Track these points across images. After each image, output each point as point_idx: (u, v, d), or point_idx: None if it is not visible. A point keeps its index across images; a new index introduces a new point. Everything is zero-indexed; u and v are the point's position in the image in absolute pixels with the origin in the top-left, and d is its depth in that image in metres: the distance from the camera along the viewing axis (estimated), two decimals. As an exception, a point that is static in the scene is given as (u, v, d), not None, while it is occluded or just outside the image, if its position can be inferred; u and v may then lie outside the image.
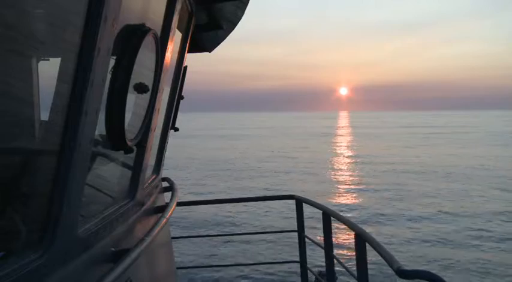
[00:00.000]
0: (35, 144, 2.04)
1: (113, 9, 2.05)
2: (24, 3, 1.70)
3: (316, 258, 10.74)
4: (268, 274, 13.98)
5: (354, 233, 4.70)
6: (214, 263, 14.54)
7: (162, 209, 3.64)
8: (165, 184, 4.68)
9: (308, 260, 6.92)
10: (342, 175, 38.45)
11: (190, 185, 31.90)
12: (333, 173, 39.95)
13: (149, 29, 2.61)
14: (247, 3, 4.72)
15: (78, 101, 1.91)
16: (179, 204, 5.63)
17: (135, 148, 2.87)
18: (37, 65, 2.31)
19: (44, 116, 2.00)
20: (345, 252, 14.84)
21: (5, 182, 1.70)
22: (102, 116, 2.29)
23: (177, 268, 5.81)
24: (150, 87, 2.87)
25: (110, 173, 3.15)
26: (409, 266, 3.87)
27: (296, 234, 6.96)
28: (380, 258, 3.95)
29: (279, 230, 14.65)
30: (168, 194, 4.38)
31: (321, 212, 5.94)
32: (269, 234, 16.87)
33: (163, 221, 3.15)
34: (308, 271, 6.77)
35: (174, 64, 4.24)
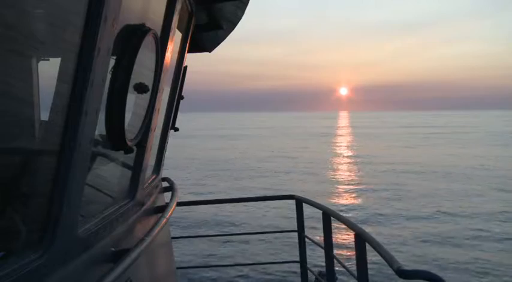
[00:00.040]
0: (35, 144, 2.03)
1: (113, 9, 2.05)
2: (24, 3, 1.70)
3: (316, 258, 10.74)
4: (268, 274, 13.98)
5: (353, 233, 4.70)
6: (214, 263, 14.54)
7: (162, 209, 3.64)
8: (165, 184, 4.68)
9: (308, 260, 6.92)
10: (342, 175, 38.45)
11: (190, 185, 31.90)
12: (333, 173, 39.94)
13: (149, 29, 2.61)
14: (247, 3, 4.72)
15: (78, 101, 1.91)
16: (179, 204, 5.63)
17: (135, 148, 2.87)
18: (37, 65, 2.31)
19: (44, 116, 2.00)
20: (344, 252, 14.83)
21: (5, 182, 1.70)
22: (102, 116, 2.29)
23: (177, 268, 5.81)
24: (150, 87, 2.87)
25: (110, 173, 3.15)
26: (409, 266, 3.87)
27: (296, 234, 6.96)
28: (380, 258, 3.95)
29: (279, 230, 14.64)
30: (168, 194, 4.38)
31: (321, 212, 5.94)
32: (269, 234, 16.87)
33: (163, 221, 3.15)
34: (308, 271, 6.77)
35: (174, 64, 4.24)
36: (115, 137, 2.49)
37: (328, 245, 5.87)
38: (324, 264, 6.07)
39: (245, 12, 4.94)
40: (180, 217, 19.50)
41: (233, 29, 5.42)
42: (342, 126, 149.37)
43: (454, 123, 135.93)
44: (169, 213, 3.43)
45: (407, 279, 3.55)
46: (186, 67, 4.68)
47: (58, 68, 2.01)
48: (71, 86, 1.91)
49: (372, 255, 4.63)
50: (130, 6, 2.51)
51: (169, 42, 3.32)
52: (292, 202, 7.07)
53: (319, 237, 6.54)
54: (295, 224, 6.90)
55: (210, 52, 6.08)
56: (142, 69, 2.66)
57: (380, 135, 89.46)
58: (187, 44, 4.47)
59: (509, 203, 24.54)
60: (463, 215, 22.29)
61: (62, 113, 1.90)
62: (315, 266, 8.78)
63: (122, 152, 2.64)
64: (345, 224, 5.23)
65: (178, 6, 3.38)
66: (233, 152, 58.81)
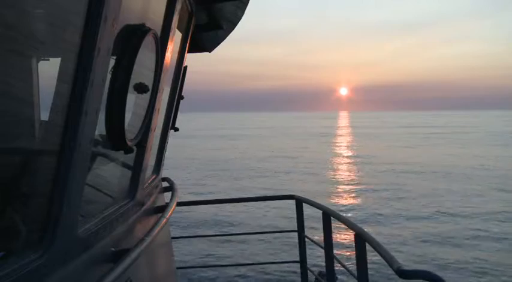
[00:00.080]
0: (35, 144, 2.03)
1: (113, 9, 2.05)
2: (24, 3, 1.70)
3: (316, 258, 10.74)
4: (268, 274, 13.98)
5: (353, 232, 4.70)
6: (214, 263, 14.54)
7: (162, 209, 3.64)
8: (165, 184, 4.68)
9: (308, 260, 6.93)
10: (342, 175, 38.46)
11: (190, 185, 31.90)
12: (333, 173, 39.94)
13: (149, 29, 2.61)
14: (247, 3, 4.72)
15: (78, 101, 1.91)
16: (179, 204, 5.63)
17: (135, 148, 2.87)
18: (37, 65, 2.31)
19: (44, 116, 2.00)
20: (344, 252, 14.84)
21: (5, 182, 1.70)
22: (102, 116, 2.29)
23: (177, 268, 5.81)
24: (150, 87, 2.87)
25: (110, 173, 3.15)
26: (409, 266, 3.87)
27: (296, 234, 6.96)
28: (380, 258, 3.95)
29: (278, 230, 14.64)
30: (168, 194, 4.38)
31: (321, 212, 5.94)
32: (269, 234, 16.87)
33: (163, 221, 3.15)
34: (308, 271, 6.77)
35: (174, 64, 4.24)
36: (115, 137, 2.49)
37: (328, 245, 5.87)
38: (324, 264, 6.07)
39: (245, 12, 4.94)
40: (180, 217, 19.50)
41: (233, 29, 5.42)
42: (342, 126, 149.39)
43: (454, 123, 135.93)
44: (169, 213, 3.43)
45: (407, 279, 3.55)
46: (186, 67, 4.68)
47: (58, 68, 2.01)
48: (71, 86, 1.91)
49: (372, 255, 4.64)
50: (130, 6, 2.51)
51: (169, 42, 3.32)
52: (292, 202, 7.07)
53: (319, 237, 6.54)
54: (295, 224, 6.90)
55: (210, 52, 6.09)
56: (142, 69, 2.66)
57: (380, 135, 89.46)
58: (187, 44, 4.47)
59: (509, 203, 24.54)
60: (463, 215, 22.29)
61: (62, 113, 1.90)
62: (315, 266, 8.78)
63: (122, 152, 2.64)
64: (344, 224, 5.23)
65: (178, 6, 3.38)
66: (233, 152, 58.81)
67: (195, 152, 56.57)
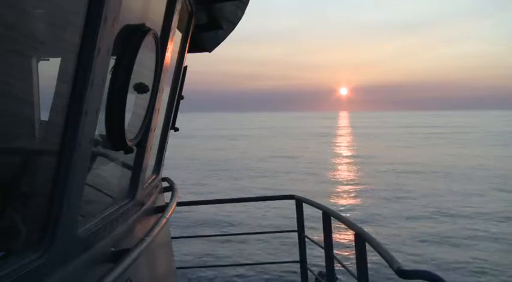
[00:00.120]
0: (35, 144, 2.03)
1: (113, 9, 2.05)
2: (24, 3, 1.70)
3: (316, 258, 10.74)
4: (268, 274, 13.98)
5: (353, 232, 4.70)
6: (214, 263, 14.54)
7: (162, 209, 3.64)
8: (165, 184, 4.69)
9: (308, 260, 6.92)
10: (342, 175, 38.46)
11: (190, 185, 31.88)
12: (332, 173, 39.94)
13: (149, 29, 2.61)
14: (247, 3, 4.72)
15: (78, 101, 1.91)
16: (179, 204, 5.63)
17: (135, 148, 2.87)
18: (37, 65, 2.31)
19: (44, 116, 2.00)
20: (344, 252, 14.84)
21: (5, 182, 1.70)
22: (102, 116, 2.29)
23: (177, 268, 5.81)
24: (150, 87, 2.87)
25: (110, 173, 3.15)
26: (409, 266, 3.87)
27: (296, 234, 6.96)
28: (380, 258, 3.95)
29: (278, 230, 14.64)
30: (168, 194, 4.38)
31: (321, 212, 5.94)
32: (269, 234, 16.87)
33: (163, 221, 3.16)
34: (308, 271, 6.77)
35: (174, 64, 4.24)
36: (115, 137, 2.49)
37: (328, 245, 5.87)
38: (324, 264, 6.07)
39: (245, 12, 4.94)
40: (180, 217, 19.50)
41: (233, 29, 5.42)
42: (342, 126, 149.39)
43: (454, 123, 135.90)
44: (169, 213, 3.43)
45: (407, 279, 3.55)
46: (186, 67, 4.68)
47: (58, 68, 2.01)
48: (71, 86, 1.91)
49: (372, 255, 4.63)
50: (130, 6, 2.51)
51: (169, 42, 3.32)
52: (292, 202, 7.07)
53: (319, 237, 6.54)
54: (295, 224, 6.90)
55: (210, 52, 6.09)
56: (142, 69, 2.66)
57: (380, 135, 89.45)
58: (187, 44, 4.47)
59: (509, 203, 24.54)
60: (463, 215, 22.29)
61: (62, 113, 1.90)
62: (315, 266, 8.77)
63: (122, 152, 2.64)
64: (344, 224, 5.23)
65: (178, 6, 3.38)
66: (233, 152, 58.80)
67: (195, 152, 56.56)
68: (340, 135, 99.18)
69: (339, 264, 5.63)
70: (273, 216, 21.51)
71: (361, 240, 4.54)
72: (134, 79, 2.48)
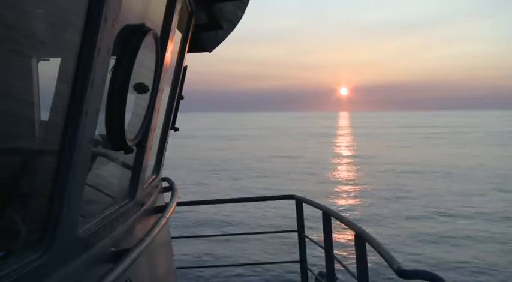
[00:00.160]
0: (35, 144, 2.03)
1: (113, 9, 2.05)
2: (24, 3, 1.70)
3: (316, 258, 10.74)
4: (268, 274, 13.98)
5: (353, 233, 4.70)
6: (214, 263, 14.53)
7: (162, 209, 3.65)
8: (165, 184, 4.69)
9: (308, 260, 6.92)
10: (342, 175, 38.45)
11: (190, 185, 31.88)
12: (332, 173, 39.94)
13: (149, 29, 2.61)
14: (247, 3, 4.72)
15: (78, 101, 1.91)
16: (179, 204, 5.63)
17: (135, 148, 2.87)
18: (37, 65, 2.31)
19: (44, 116, 2.00)
20: (345, 252, 14.84)
21: (5, 182, 1.70)
22: (102, 116, 2.29)
23: (177, 268, 5.81)
24: (150, 87, 2.87)
25: (110, 173, 3.15)
26: (409, 266, 3.87)
27: (296, 234, 6.96)
28: (380, 258, 3.95)
29: (279, 230, 14.63)
30: (168, 194, 4.38)
31: (321, 212, 5.94)
32: (269, 234, 16.86)
33: (163, 221, 3.16)
34: (308, 271, 6.77)
35: (174, 64, 4.24)
36: (115, 137, 2.49)
37: (328, 245, 5.87)
38: (324, 264, 6.07)
39: (245, 12, 4.94)
40: (180, 217, 19.49)
41: (233, 29, 5.43)
42: (342, 126, 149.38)
43: (454, 123, 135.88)
44: (169, 213, 3.43)
45: (407, 279, 3.55)
46: (186, 67, 4.68)
47: (58, 68, 2.01)
48: (71, 86, 1.91)
49: (372, 255, 4.63)
50: (130, 6, 2.51)
51: (169, 42, 3.32)
52: (292, 202, 7.06)
53: (319, 237, 6.54)
54: (295, 224, 6.90)
55: (210, 52, 6.09)
56: (142, 69, 2.66)
57: (380, 135, 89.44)
58: (187, 44, 4.47)
59: (509, 203, 24.54)
60: (463, 215, 22.28)
61: (62, 113, 1.90)
62: (315, 266, 8.77)
63: (122, 152, 2.64)
64: (345, 224, 5.23)
65: (178, 6, 3.39)
66: (233, 152, 58.79)
67: (195, 152, 56.54)
68: (340, 135, 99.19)
69: (339, 264, 5.63)
70: (273, 216, 21.50)
71: (361, 240, 4.54)
72: (134, 79, 2.48)
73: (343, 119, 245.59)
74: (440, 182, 32.26)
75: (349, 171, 40.57)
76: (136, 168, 3.18)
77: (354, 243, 4.71)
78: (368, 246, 4.42)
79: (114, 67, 2.34)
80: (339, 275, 6.29)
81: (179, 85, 4.58)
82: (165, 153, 4.48)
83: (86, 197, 2.19)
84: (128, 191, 3.11)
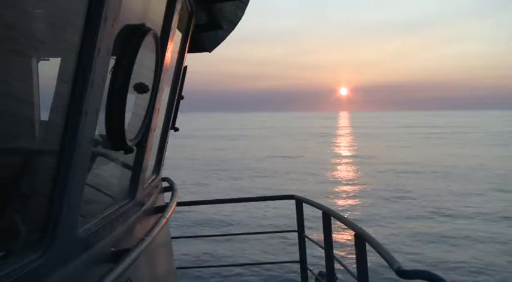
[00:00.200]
0: (35, 144, 2.03)
1: (113, 9, 2.05)
2: (24, 3, 1.70)
3: (316, 258, 10.74)
4: (268, 274, 13.98)
5: (353, 232, 4.70)
6: (214, 263, 14.52)
7: (162, 209, 3.65)
8: (165, 184, 4.69)
9: (308, 260, 6.92)
10: (342, 175, 38.45)
11: (190, 185, 31.88)
12: (332, 173, 39.94)
13: (149, 29, 2.61)
14: (247, 3, 4.72)
15: (78, 101, 1.91)
16: (179, 204, 5.63)
17: (135, 148, 2.87)
18: (37, 65, 2.31)
19: (44, 116, 2.00)
20: (344, 252, 14.83)
21: (5, 182, 1.70)
22: (102, 116, 2.29)
23: (177, 268, 5.81)
24: (150, 87, 2.87)
25: (110, 173, 3.15)
26: (409, 266, 3.87)
27: (296, 234, 6.96)
28: (380, 258, 3.94)
29: (278, 230, 14.63)
30: (168, 194, 4.38)
31: (321, 212, 5.94)
32: (269, 234, 16.87)
33: (163, 221, 3.16)
34: (308, 271, 6.77)
35: (174, 64, 4.24)
36: (115, 137, 2.49)
37: (328, 245, 5.87)
38: (324, 264, 6.07)
39: (245, 12, 4.94)
40: (180, 217, 19.50)
41: (233, 29, 5.43)
42: (342, 126, 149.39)
43: (454, 123, 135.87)
44: (169, 213, 3.43)
45: (407, 279, 3.55)
46: (186, 67, 4.68)
47: (58, 68, 2.01)
48: (71, 86, 1.91)
49: (371, 255, 4.63)
50: (130, 6, 2.51)
51: (169, 42, 3.32)
52: (292, 202, 7.06)
53: (319, 237, 6.54)
54: (295, 224, 6.90)
55: (210, 52, 6.09)
56: (142, 69, 2.66)
57: (380, 135, 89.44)
58: (187, 44, 4.47)
59: (508, 203, 24.54)
60: (462, 215, 22.29)
61: (62, 113, 1.90)
62: (315, 266, 8.77)
63: (122, 152, 2.64)
64: (345, 224, 5.23)
65: (178, 6, 3.39)
66: (233, 152, 58.79)
67: (195, 152, 56.54)
68: (340, 135, 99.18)
69: (339, 264, 5.63)
70: (273, 216, 21.50)
71: (361, 240, 4.54)
72: (134, 79, 2.48)
73: (343, 119, 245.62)
74: (440, 182, 32.26)
75: (349, 171, 40.57)
76: (136, 168, 3.18)
77: (353, 243, 4.71)
78: (368, 246, 4.42)
79: (114, 67, 2.34)
80: (339, 275, 6.29)
81: (179, 85, 4.58)
82: (165, 153, 4.48)
83: (86, 197, 2.20)
84: (128, 191, 3.11)
